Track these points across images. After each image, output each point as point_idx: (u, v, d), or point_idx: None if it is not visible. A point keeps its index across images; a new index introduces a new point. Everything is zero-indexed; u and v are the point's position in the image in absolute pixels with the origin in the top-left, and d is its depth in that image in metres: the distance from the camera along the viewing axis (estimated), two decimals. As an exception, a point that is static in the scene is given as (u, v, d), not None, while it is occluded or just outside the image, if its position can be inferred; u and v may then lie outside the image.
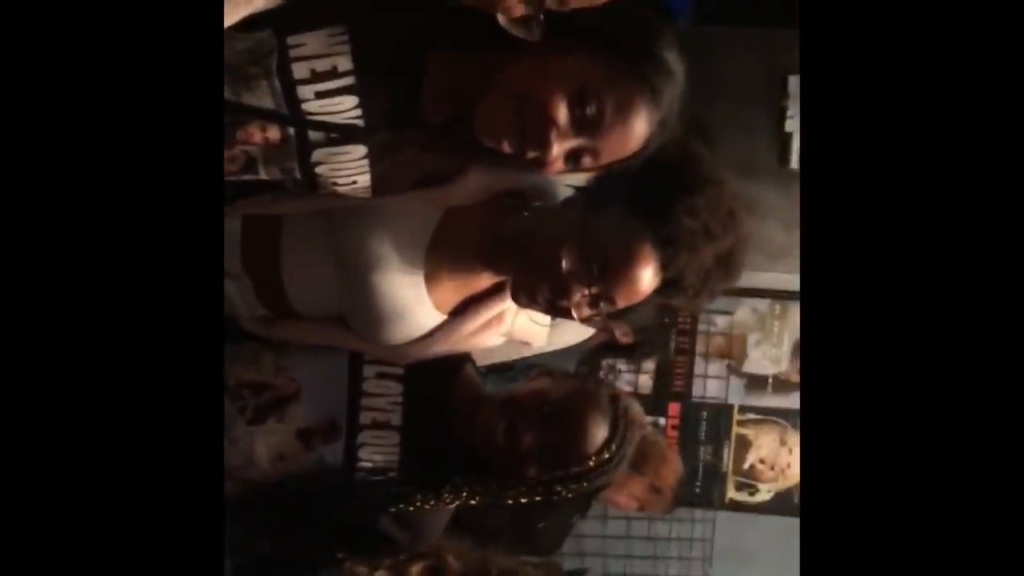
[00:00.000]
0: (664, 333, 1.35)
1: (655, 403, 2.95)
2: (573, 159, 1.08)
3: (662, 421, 2.98)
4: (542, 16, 0.92)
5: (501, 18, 0.92)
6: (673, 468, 2.27)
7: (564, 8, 0.92)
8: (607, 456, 1.22)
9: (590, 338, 1.46)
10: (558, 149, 1.06)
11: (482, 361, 1.34)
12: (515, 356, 1.38)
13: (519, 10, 0.92)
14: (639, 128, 1.07)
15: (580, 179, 1.23)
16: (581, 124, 1.05)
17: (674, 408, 2.99)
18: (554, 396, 1.24)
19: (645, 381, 3.00)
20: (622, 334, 1.18)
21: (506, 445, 1.20)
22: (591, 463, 1.21)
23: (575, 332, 1.41)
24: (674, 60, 1.07)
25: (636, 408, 1.34)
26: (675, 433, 2.99)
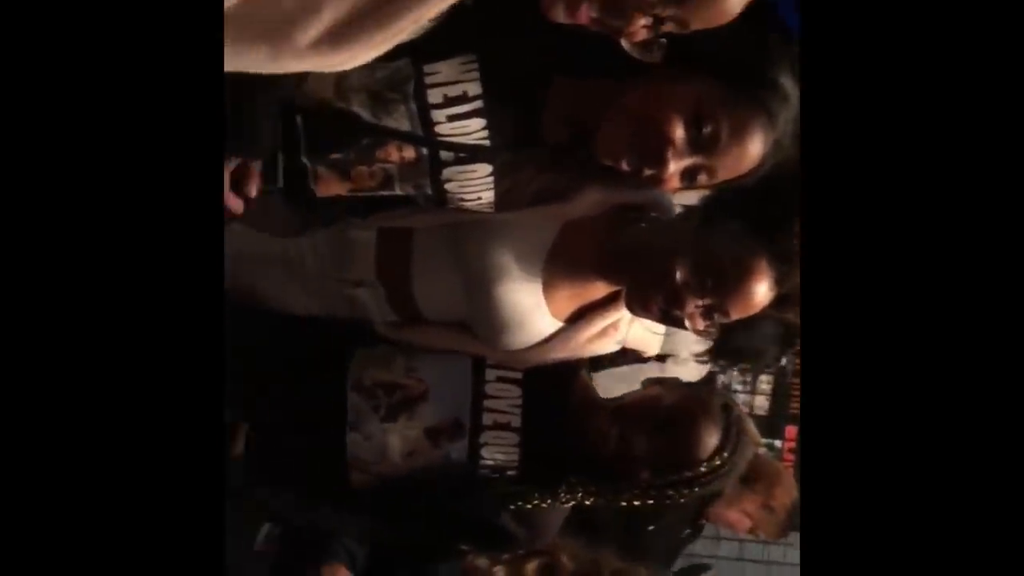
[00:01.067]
0: (776, 348, 1.35)
1: (771, 425, 2.90)
2: (689, 177, 1.12)
3: (778, 444, 2.93)
4: (663, 40, 0.97)
5: (624, 43, 0.97)
6: (788, 488, 2.21)
7: (684, 31, 0.96)
8: (718, 463, 1.25)
9: None
10: (674, 167, 1.10)
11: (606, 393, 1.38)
12: (636, 384, 1.42)
13: (642, 34, 0.96)
14: (754, 149, 1.10)
15: (694, 196, 1.26)
16: (697, 143, 1.09)
17: (791, 431, 2.93)
18: (666, 403, 1.28)
19: (761, 402, 2.96)
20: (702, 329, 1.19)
21: (619, 450, 1.25)
22: (702, 468, 1.24)
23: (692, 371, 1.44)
24: (789, 83, 1.09)
25: (748, 421, 1.36)
26: (792, 456, 2.93)
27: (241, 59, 0.89)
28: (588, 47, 1.11)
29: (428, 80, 1.12)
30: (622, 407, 1.29)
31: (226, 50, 0.80)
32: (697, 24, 0.96)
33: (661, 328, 1.35)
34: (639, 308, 1.23)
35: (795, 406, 2.93)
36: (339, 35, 0.91)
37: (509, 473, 1.31)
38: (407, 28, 0.96)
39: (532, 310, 1.26)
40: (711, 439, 1.25)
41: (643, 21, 0.94)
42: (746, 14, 0.97)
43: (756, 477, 2.13)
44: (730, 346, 1.27)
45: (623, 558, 1.37)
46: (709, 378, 2.13)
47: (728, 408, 1.30)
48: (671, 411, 1.27)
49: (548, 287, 1.27)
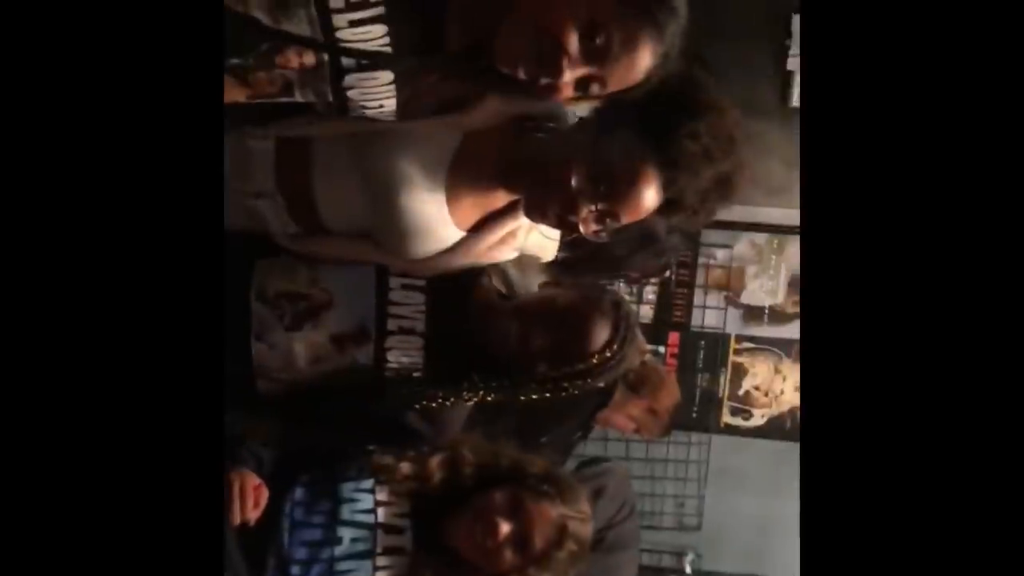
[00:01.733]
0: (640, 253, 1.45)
1: (655, 332, 3.05)
2: (582, 86, 1.15)
3: (662, 349, 3.08)
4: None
5: None
6: (671, 393, 2.33)
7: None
8: (609, 355, 1.31)
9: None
10: (569, 76, 1.12)
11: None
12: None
13: None
14: (643, 60, 1.14)
15: (587, 109, 1.29)
16: (590, 54, 1.11)
17: (674, 337, 3.09)
18: (561, 301, 1.34)
19: (646, 312, 3.09)
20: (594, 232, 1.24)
21: (518, 346, 1.30)
22: (595, 360, 1.31)
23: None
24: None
25: (635, 318, 1.44)
26: (674, 361, 3.10)
27: None
28: None
29: None
30: (521, 307, 1.34)
31: None
32: None
33: (556, 234, 1.40)
34: (536, 214, 1.26)
35: (678, 314, 3.09)
36: None
37: (415, 375, 1.35)
38: None
39: (435, 218, 1.28)
40: (603, 332, 1.31)
41: None
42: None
43: (641, 382, 2.24)
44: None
45: (521, 448, 1.45)
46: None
47: (618, 305, 1.36)
48: (566, 308, 1.32)
49: (451, 196, 1.29)
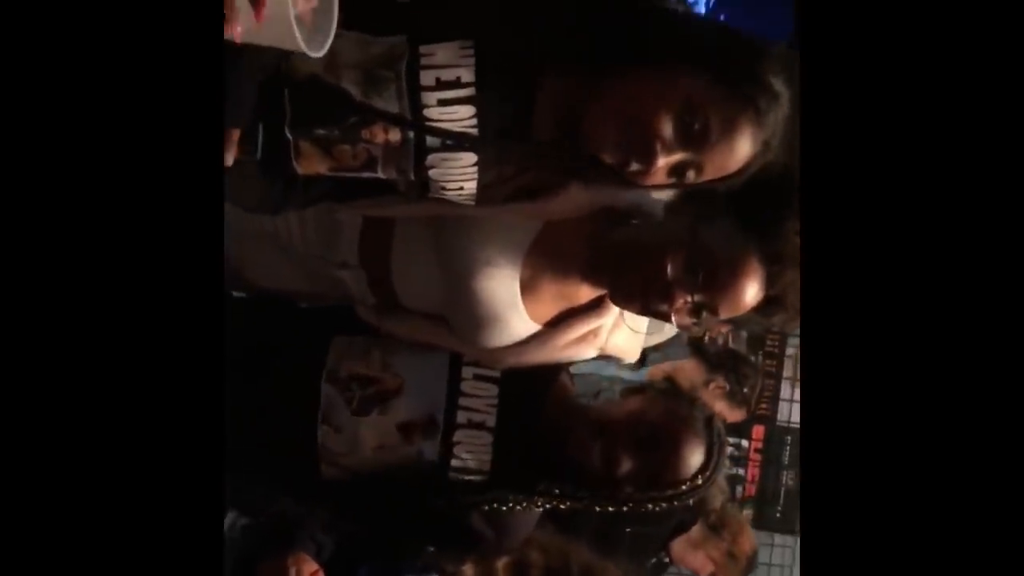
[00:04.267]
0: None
1: (739, 425, 2.89)
2: (677, 172, 1.08)
3: (745, 443, 2.92)
4: None
5: None
6: (750, 539, 2.32)
7: None
8: (700, 482, 1.23)
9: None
10: (663, 161, 1.05)
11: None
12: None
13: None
14: (743, 146, 1.06)
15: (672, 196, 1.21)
16: (686, 138, 1.05)
17: (758, 431, 2.93)
18: (651, 419, 1.24)
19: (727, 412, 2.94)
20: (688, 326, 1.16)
21: (603, 466, 1.21)
22: (685, 487, 1.22)
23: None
24: (779, 84, 1.06)
25: (725, 437, 1.33)
26: (758, 456, 2.93)
27: None
28: (585, 40, 1.08)
29: (423, 61, 1.07)
30: (606, 422, 1.25)
31: None
32: None
33: (643, 328, 1.30)
34: (624, 300, 1.19)
35: (763, 407, 2.92)
36: None
37: (483, 475, 1.26)
38: None
39: (509, 308, 1.22)
40: (696, 457, 1.22)
41: None
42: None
43: (722, 524, 2.24)
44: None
45: (594, 553, 1.33)
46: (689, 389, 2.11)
47: (711, 423, 1.26)
48: (656, 428, 1.23)
49: (527, 287, 1.22)
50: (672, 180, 1.09)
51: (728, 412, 2.51)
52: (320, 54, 0.84)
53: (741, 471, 2.98)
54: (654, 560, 2.13)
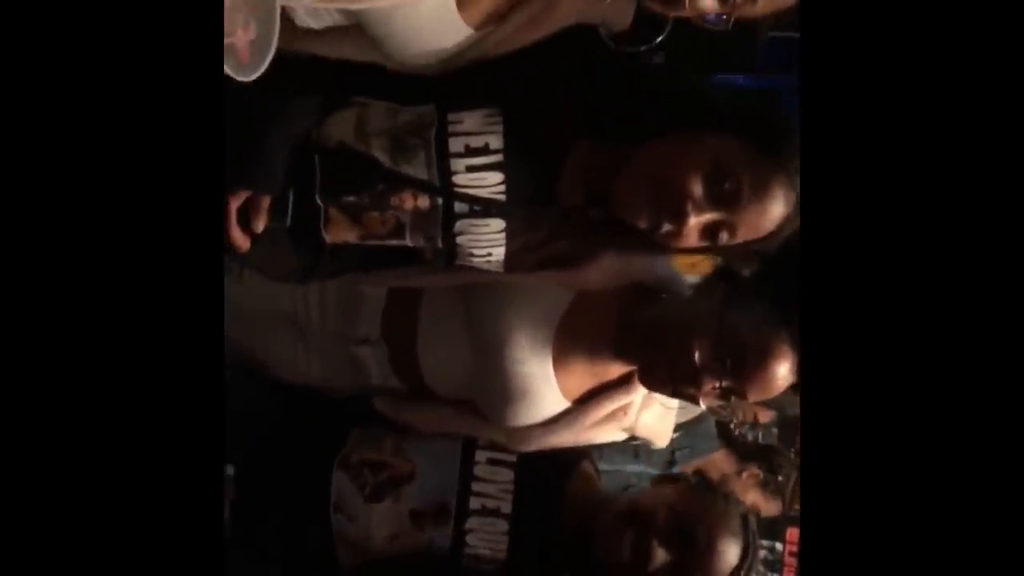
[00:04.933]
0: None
1: (773, 527, 2.75)
2: (710, 234, 1.06)
3: (779, 546, 2.78)
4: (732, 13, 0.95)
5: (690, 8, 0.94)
6: None
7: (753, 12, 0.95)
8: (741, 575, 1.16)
9: None
10: (694, 221, 1.04)
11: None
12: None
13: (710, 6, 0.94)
14: (776, 207, 1.05)
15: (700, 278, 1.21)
16: (718, 198, 1.04)
17: (792, 534, 2.78)
18: (683, 510, 1.18)
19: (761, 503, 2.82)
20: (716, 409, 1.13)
21: (633, 558, 1.14)
22: None
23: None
24: None
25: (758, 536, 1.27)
26: (793, 560, 2.77)
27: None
28: (612, 110, 1.09)
29: (451, 128, 1.09)
30: (634, 511, 1.18)
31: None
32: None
33: (675, 404, 1.26)
34: (652, 383, 1.15)
35: (796, 508, 2.78)
36: None
37: (495, 565, 1.19)
38: None
39: (540, 382, 1.18)
40: (732, 555, 1.16)
41: None
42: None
43: None
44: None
45: None
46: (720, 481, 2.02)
47: (746, 520, 1.20)
48: (691, 520, 1.16)
49: (558, 361, 1.18)
50: (705, 243, 1.07)
51: (763, 503, 2.38)
52: (249, 79, 0.83)
53: None
54: None
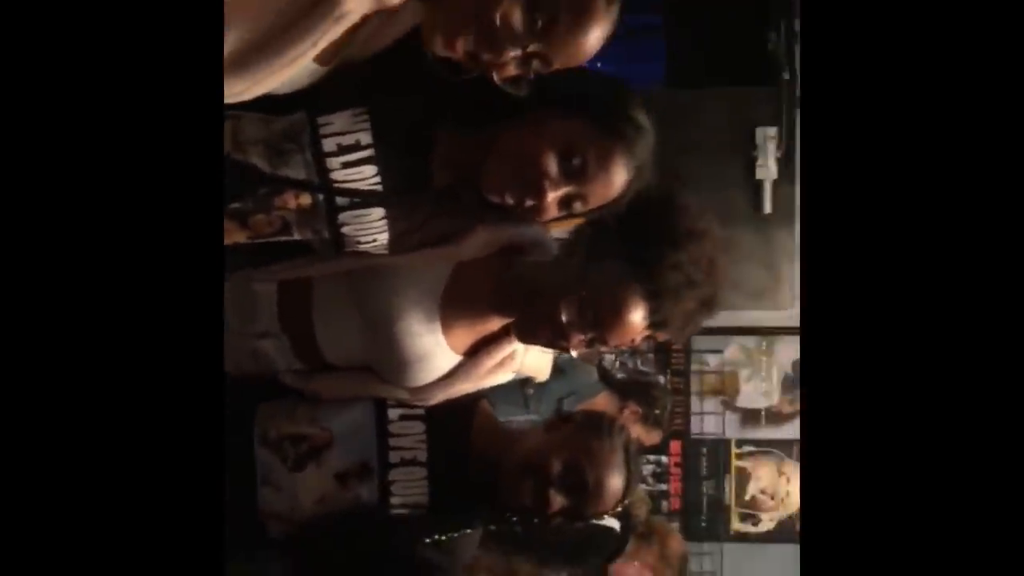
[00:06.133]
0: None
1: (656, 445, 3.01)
2: (565, 205, 1.19)
3: (665, 459, 3.04)
4: (531, 75, 1.05)
5: (496, 78, 1.04)
6: (678, 541, 2.39)
7: (548, 69, 1.05)
8: (620, 509, 1.34)
9: None
10: (551, 196, 1.17)
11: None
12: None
13: (511, 71, 1.04)
14: (619, 175, 1.19)
15: (569, 231, 1.34)
16: (569, 174, 1.17)
17: (675, 446, 3.05)
18: (573, 456, 1.31)
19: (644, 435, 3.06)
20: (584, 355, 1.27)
21: (535, 505, 1.29)
22: (609, 511, 1.32)
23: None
24: (643, 117, 1.20)
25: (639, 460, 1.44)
26: (678, 470, 3.05)
27: None
28: (466, 100, 1.19)
29: (323, 131, 1.16)
30: (532, 460, 1.32)
31: None
32: (559, 62, 1.05)
33: (550, 351, 1.40)
34: (528, 338, 1.29)
35: (677, 422, 3.06)
36: (241, 64, 0.95)
37: (420, 510, 1.32)
38: (303, 55, 1.00)
39: (432, 347, 1.29)
40: (618, 487, 1.32)
41: (513, 53, 1.02)
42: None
43: (651, 532, 2.30)
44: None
45: (535, 564, 1.40)
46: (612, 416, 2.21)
47: (627, 449, 1.36)
48: (579, 465, 1.31)
49: (446, 324, 1.30)
50: (563, 212, 1.21)
51: (645, 436, 2.61)
52: None
53: (664, 486, 3.08)
54: None
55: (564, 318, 1.22)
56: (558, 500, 1.29)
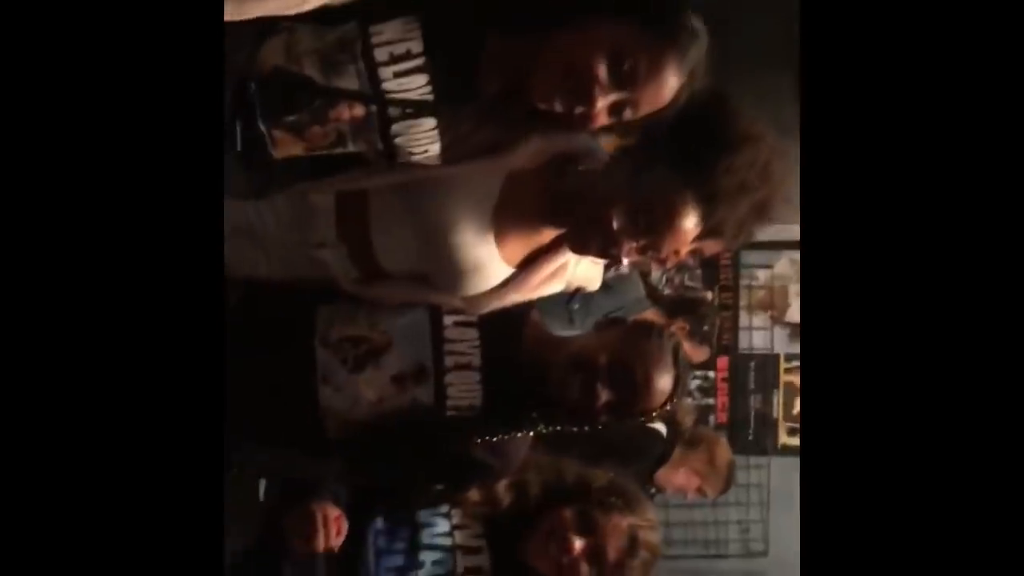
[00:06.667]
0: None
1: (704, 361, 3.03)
2: (616, 112, 1.19)
3: (712, 374, 3.07)
4: None
5: None
6: (725, 448, 2.43)
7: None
8: (673, 401, 1.36)
9: None
10: (601, 103, 1.17)
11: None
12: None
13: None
14: (670, 80, 1.18)
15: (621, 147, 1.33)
16: (619, 80, 1.16)
17: (722, 361, 3.07)
18: (621, 353, 1.34)
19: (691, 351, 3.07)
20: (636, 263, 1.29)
21: (582, 399, 1.33)
22: (656, 411, 1.36)
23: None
24: (696, 21, 1.18)
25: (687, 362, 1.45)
26: (725, 385, 3.07)
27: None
28: (517, 3, 1.19)
29: (374, 40, 1.17)
30: (581, 357, 1.35)
31: None
32: None
33: (601, 261, 1.42)
34: (580, 249, 1.30)
35: (725, 337, 3.07)
36: None
37: (474, 411, 1.37)
38: None
39: (485, 257, 1.32)
40: (665, 385, 1.35)
41: None
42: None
43: (697, 441, 2.35)
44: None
45: (584, 464, 1.47)
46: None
47: (676, 352, 1.38)
48: (630, 361, 1.34)
49: (498, 235, 1.32)
50: (613, 119, 1.20)
51: (692, 352, 2.63)
52: None
53: (711, 400, 3.12)
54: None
55: (615, 224, 1.22)
56: (605, 394, 1.32)
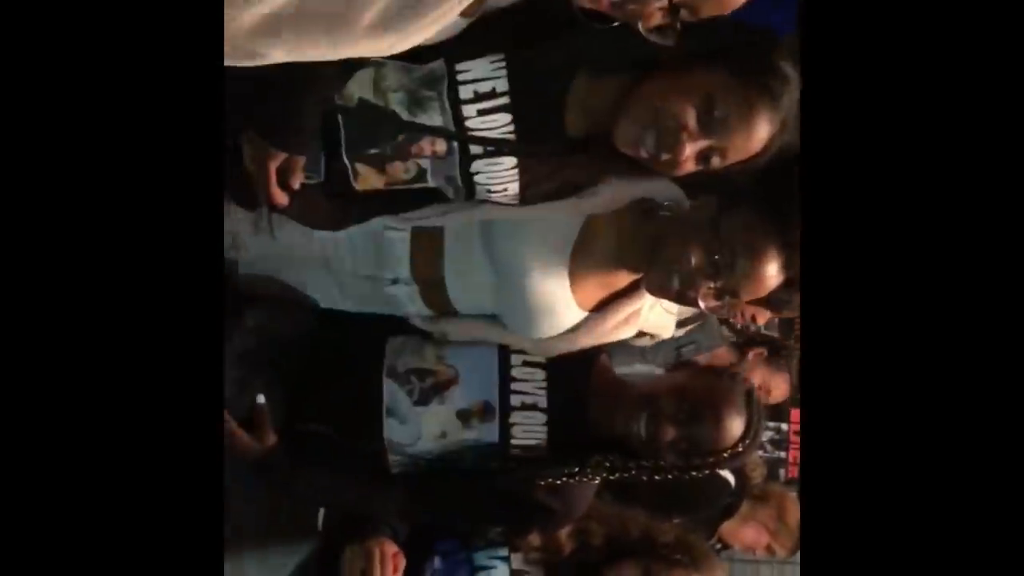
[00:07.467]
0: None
1: (778, 409, 2.92)
2: (703, 159, 1.17)
3: (784, 427, 2.96)
4: (678, 25, 1.02)
5: (641, 28, 1.02)
6: (796, 504, 2.27)
7: (696, 17, 1.01)
8: (740, 449, 1.31)
9: None
10: (689, 150, 1.15)
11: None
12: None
13: (657, 18, 1.01)
14: (761, 129, 1.16)
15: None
16: (709, 127, 1.14)
17: (795, 414, 2.96)
18: (693, 392, 1.32)
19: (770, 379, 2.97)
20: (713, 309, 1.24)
21: (648, 437, 1.29)
22: (726, 454, 1.31)
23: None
24: (789, 68, 1.15)
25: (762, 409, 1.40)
26: (798, 439, 2.96)
27: (303, 52, 0.94)
28: (607, 46, 1.18)
29: (460, 78, 1.19)
30: (650, 395, 1.33)
31: (289, 46, 0.87)
32: (707, 11, 1.01)
33: (675, 309, 1.39)
34: (657, 290, 1.28)
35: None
36: (390, 18, 0.97)
37: (538, 452, 1.36)
38: (451, 11, 1.01)
39: (559, 301, 1.31)
40: (736, 428, 1.31)
41: (659, 4, 0.99)
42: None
43: (767, 496, 2.24)
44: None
45: (649, 515, 1.43)
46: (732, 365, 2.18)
47: (750, 395, 1.34)
48: (699, 400, 1.31)
49: (574, 278, 1.31)
50: (700, 167, 1.18)
51: (771, 380, 2.45)
52: None
53: (782, 454, 3.03)
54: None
55: (693, 262, 1.20)
56: (671, 431, 1.29)
